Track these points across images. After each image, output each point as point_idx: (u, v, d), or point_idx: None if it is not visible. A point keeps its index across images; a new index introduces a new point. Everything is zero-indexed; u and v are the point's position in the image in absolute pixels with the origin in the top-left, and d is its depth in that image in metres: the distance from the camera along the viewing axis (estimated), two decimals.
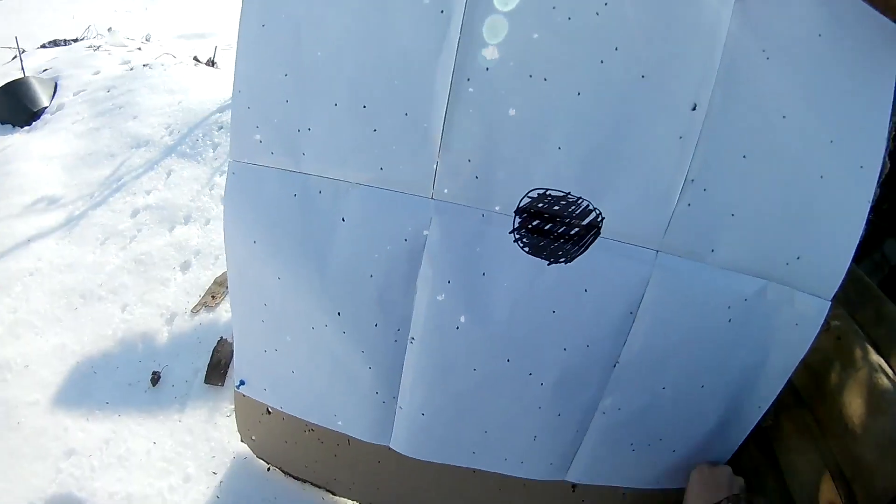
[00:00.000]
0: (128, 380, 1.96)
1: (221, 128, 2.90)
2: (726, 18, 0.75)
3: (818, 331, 0.89)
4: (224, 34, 4.75)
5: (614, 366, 0.91)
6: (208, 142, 2.84)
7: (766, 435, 1.03)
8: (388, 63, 0.85)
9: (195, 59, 3.76)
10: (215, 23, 5.15)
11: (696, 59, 0.77)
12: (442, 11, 0.81)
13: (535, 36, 0.79)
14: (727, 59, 0.77)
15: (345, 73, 0.87)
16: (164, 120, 3.03)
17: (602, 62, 0.78)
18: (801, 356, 0.92)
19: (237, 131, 0.95)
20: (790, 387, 0.96)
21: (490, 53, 0.80)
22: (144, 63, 3.66)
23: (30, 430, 1.92)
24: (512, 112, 0.81)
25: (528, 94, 0.81)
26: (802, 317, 0.88)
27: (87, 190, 2.66)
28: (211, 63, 3.76)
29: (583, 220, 0.82)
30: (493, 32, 0.80)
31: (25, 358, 2.09)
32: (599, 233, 0.83)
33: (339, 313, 1.00)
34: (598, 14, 0.77)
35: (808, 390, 0.99)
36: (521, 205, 0.84)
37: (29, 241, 2.47)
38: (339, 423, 1.18)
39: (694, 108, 0.77)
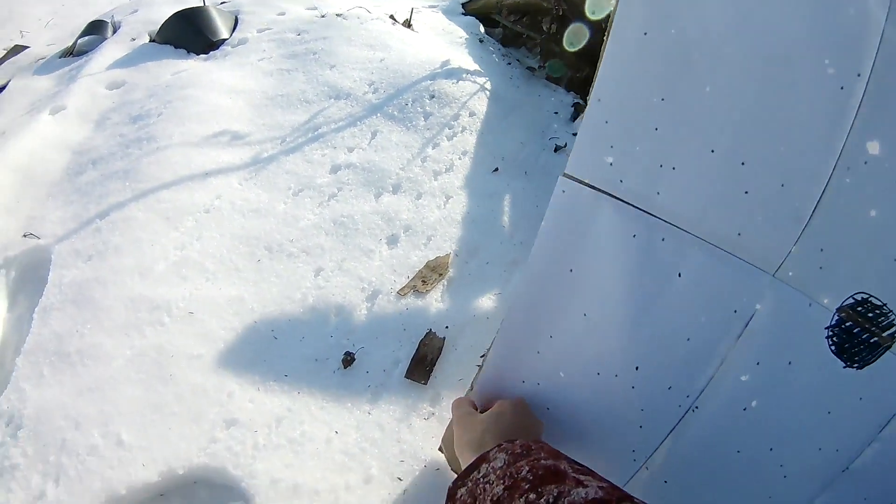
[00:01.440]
0: (314, 354, 2.02)
1: (433, 96, 3.07)
2: None
3: None
4: None
5: (843, 471, 1.11)
6: (419, 109, 3.00)
7: None
8: (778, 124, 0.96)
9: (392, 17, 4.07)
10: None
11: None
12: (842, 88, 0.93)
13: None
14: None
15: (731, 119, 0.97)
16: (365, 75, 3.26)
17: None
18: None
19: (584, 145, 1.06)
20: None
21: (873, 148, 0.94)
22: (338, 13, 4.00)
23: (185, 386, 2.01)
24: (873, 213, 0.97)
25: (888, 199, 0.97)
26: None
27: (278, 133, 2.88)
28: (408, 24, 4.05)
29: (884, 332, 1.01)
30: (883, 126, 0.94)
31: (190, 303, 2.22)
32: (891, 347, 1.02)
33: (637, 367, 1.13)
34: None
35: None
36: (844, 303, 1.01)
37: (207, 174, 2.68)
38: None
39: None
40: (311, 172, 2.62)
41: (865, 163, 0.94)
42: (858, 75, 0.91)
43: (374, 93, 3.12)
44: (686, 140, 0.99)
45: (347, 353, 1.95)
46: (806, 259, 1.00)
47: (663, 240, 1.02)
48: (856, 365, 1.02)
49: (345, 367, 1.94)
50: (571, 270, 1.10)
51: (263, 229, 2.38)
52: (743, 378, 1.07)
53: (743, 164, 0.97)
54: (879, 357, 1.03)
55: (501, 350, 1.29)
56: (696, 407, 1.11)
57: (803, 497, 1.14)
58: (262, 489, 1.72)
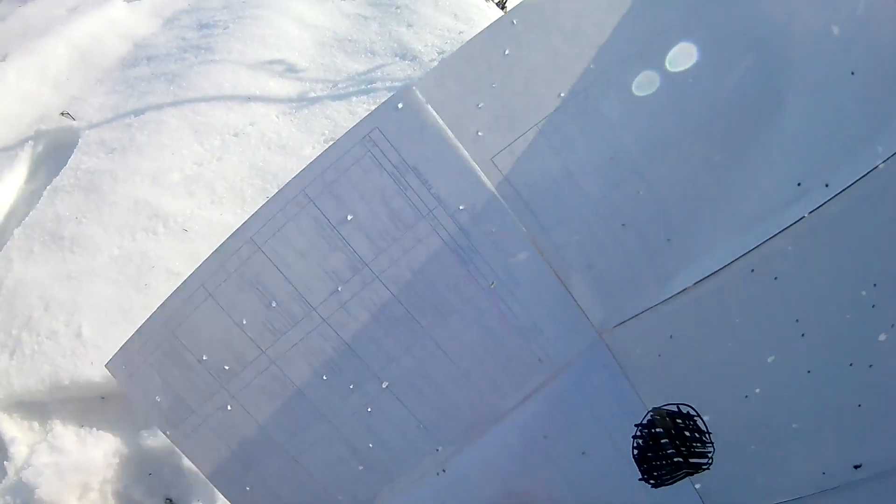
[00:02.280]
0: None
1: None
2: None
3: None
4: None
5: None
6: None
7: None
8: (705, 176, 0.79)
9: None
10: None
11: None
12: (799, 184, 0.78)
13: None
14: None
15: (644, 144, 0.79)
16: (439, 43, 3.20)
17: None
18: None
19: (457, 68, 0.80)
20: None
21: (778, 267, 0.82)
22: None
23: (156, 299, 2.00)
24: (739, 335, 0.84)
25: (762, 327, 0.84)
26: None
27: (333, 76, 2.86)
28: (502, 6, 3.96)
29: (692, 458, 0.88)
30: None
31: (188, 221, 2.23)
32: (692, 475, 0.89)
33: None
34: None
35: None
36: (664, 407, 0.87)
37: (249, 98, 2.69)
38: None
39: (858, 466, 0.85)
40: (350, 125, 2.56)
41: (775, 278, 0.81)
42: (826, 185, 0.76)
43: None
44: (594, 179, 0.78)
45: None
46: (648, 336, 0.84)
47: (493, 231, 0.78)
48: (651, 482, 0.90)
49: None
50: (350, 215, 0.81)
51: (283, 168, 2.37)
52: (517, 452, 0.89)
53: (640, 193, 0.79)
54: (678, 481, 0.90)
55: None
56: (444, 470, 0.90)
57: None
58: None
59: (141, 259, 2.11)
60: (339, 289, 0.79)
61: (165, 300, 0.85)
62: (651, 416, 0.88)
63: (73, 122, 2.63)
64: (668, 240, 0.80)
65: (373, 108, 2.38)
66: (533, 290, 0.81)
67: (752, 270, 0.79)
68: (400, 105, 0.74)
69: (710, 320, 0.82)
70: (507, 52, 0.74)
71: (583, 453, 0.90)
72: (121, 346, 0.88)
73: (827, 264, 0.77)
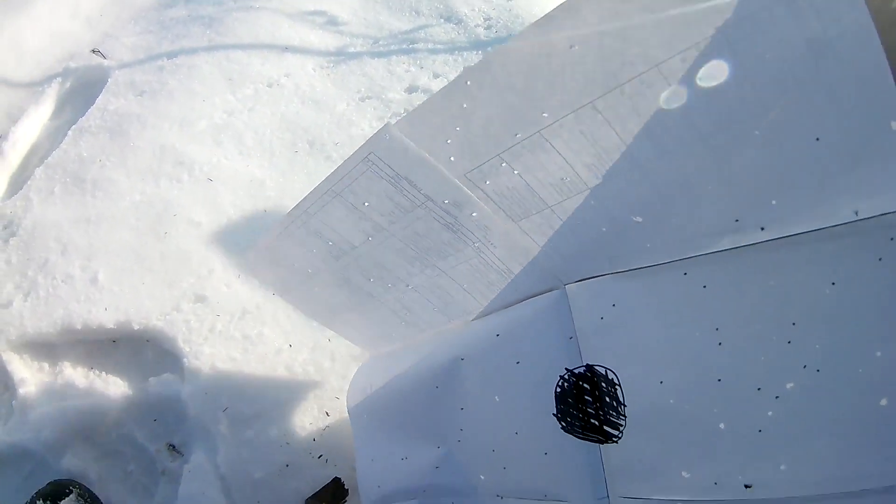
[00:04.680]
0: None
1: None
2: None
3: None
4: None
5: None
6: None
7: None
8: None
9: None
10: None
11: None
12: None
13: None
14: None
15: None
16: (486, 9, 3.11)
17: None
18: None
19: None
20: None
21: None
22: None
23: (174, 248, 2.00)
24: (653, 326, 0.94)
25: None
26: None
27: (375, 32, 2.80)
28: None
29: (606, 426, 0.96)
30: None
31: (214, 170, 2.20)
32: (602, 443, 0.97)
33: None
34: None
35: None
36: (596, 367, 0.97)
37: (286, 49, 2.64)
38: None
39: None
40: (387, 84, 2.54)
41: (704, 286, 0.90)
42: (762, 229, 0.86)
43: (485, 29, 2.98)
44: None
45: None
46: (597, 297, 0.98)
47: (474, 215, 0.97)
48: (563, 424, 1.00)
49: None
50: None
51: (315, 122, 2.33)
52: (475, 337, 1.10)
53: (592, 202, 0.94)
54: (587, 440, 0.99)
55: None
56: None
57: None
58: (199, 372, 1.71)
59: (163, 206, 2.09)
60: (370, 238, 1.06)
61: (275, 227, 1.13)
62: (584, 369, 0.98)
63: (104, 61, 2.61)
64: (615, 233, 0.92)
65: (413, 69, 2.34)
66: (508, 252, 1.01)
67: (685, 273, 0.90)
68: (387, 137, 0.90)
69: (644, 304, 0.94)
70: (464, 106, 0.87)
71: (517, 362, 1.06)
72: (253, 247, 1.17)
73: (752, 293, 0.85)
